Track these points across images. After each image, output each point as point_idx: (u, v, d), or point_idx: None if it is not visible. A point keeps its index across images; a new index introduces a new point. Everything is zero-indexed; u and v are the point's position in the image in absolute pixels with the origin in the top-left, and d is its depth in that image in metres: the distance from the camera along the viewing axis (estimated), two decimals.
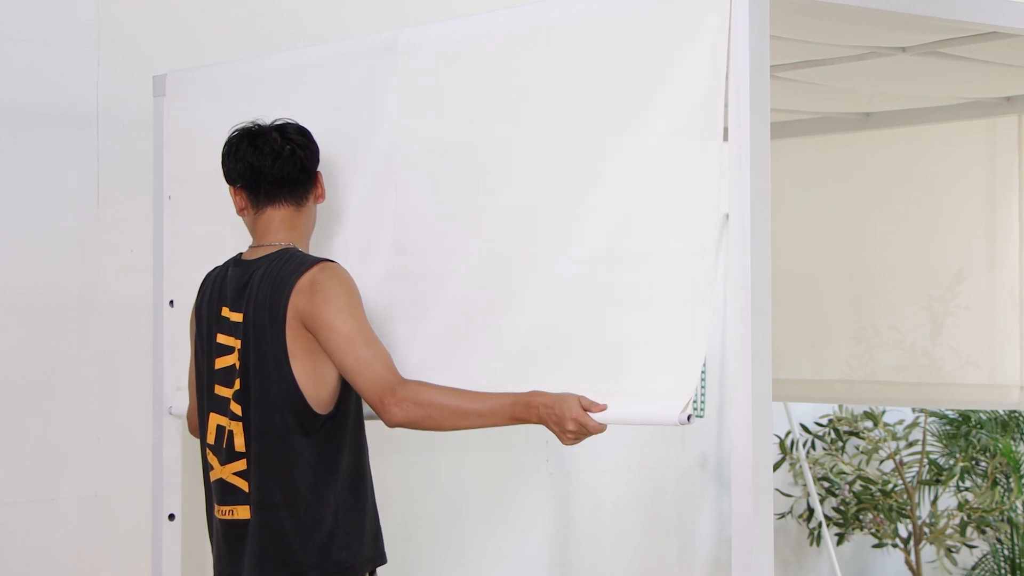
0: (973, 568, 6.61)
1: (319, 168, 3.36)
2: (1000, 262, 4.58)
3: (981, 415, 6.45)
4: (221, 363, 3.26)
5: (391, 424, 3.10)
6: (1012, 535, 6.43)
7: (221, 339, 3.27)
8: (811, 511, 6.29)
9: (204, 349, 3.33)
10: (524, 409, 2.97)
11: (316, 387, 3.16)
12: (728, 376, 2.82)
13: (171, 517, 3.90)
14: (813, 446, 6.47)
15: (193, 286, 3.90)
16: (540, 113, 3.07)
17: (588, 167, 2.99)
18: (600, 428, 2.89)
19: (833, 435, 6.47)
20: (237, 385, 3.24)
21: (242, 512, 3.23)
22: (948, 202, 4.68)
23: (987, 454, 6.41)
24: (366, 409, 3.29)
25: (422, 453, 5.20)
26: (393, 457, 5.14)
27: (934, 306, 4.70)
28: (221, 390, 3.27)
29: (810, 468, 6.29)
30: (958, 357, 4.66)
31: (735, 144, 2.71)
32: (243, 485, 3.23)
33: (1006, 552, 6.48)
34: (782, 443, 6.33)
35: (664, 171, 2.86)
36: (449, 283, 3.23)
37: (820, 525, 6.17)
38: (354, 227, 3.48)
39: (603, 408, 2.88)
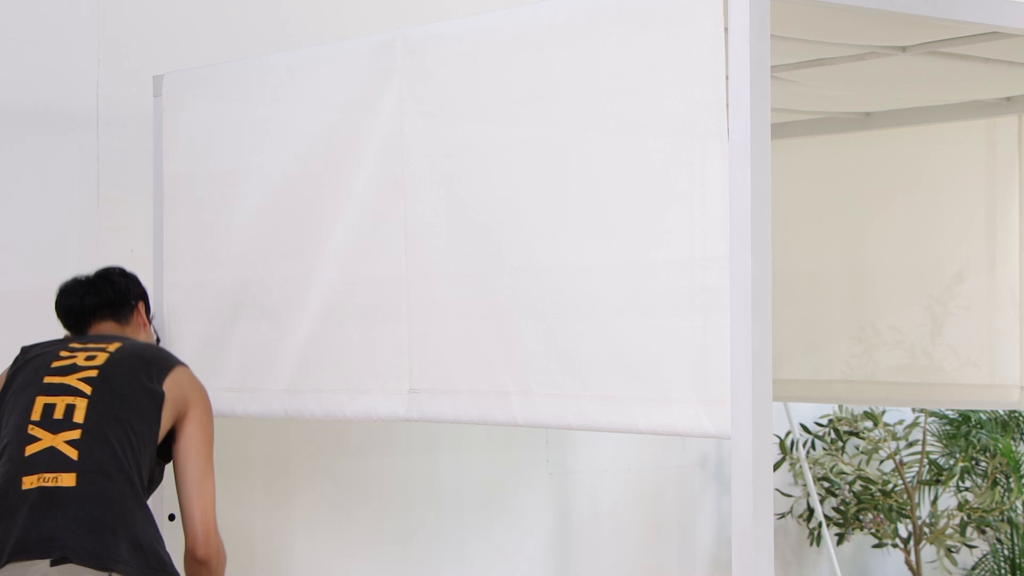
0: (973, 568, 6.61)
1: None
2: (1000, 262, 4.58)
3: (981, 415, 6.44)
4: (58, 363, 3.53)
5: (204, 557, 3.40)
6: (1012, 535, 6.43)
7: (63, 353, 3.54)
8: (811, 511, 6.29)
9: (27, 382, 3.54)
10: None
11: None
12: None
13: (171, 517, 3.89)
14: (813, 446, 6.47)
15: (193, 287, 3.92)
16: (542, 114, 3.07)
17: (590, 170, 2.99)
18: None
19: (833, 435, 6.46)
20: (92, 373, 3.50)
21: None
22: (948, 202, 4.68)
23: (987, 454, 6.41)
24: (378, 405, 3.42)
25: (422, 453, 5.21)
26: (393, 457, 5.14)
27: (934, 306, 4.70)
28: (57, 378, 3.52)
29: (810, 468, 6.29)
30: (958, 357, 4.65)
31: (735, 144, 2.71)
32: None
33: (1006, 552, 6.48)
34: (782, 443, 6.33)
35: (667, 173, 2.86)
36: (464, 285, 3.23)
37: (820, 525, 6.17)
38: (357, 228, 3.47)
39: None
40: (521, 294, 3.11)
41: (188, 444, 3.42)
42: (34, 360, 3.47)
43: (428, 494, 5.23)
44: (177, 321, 3.93)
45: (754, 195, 2.70)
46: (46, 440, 3.27)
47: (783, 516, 6.41)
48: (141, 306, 3.71)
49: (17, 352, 3.57)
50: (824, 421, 6.50)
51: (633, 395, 2.92)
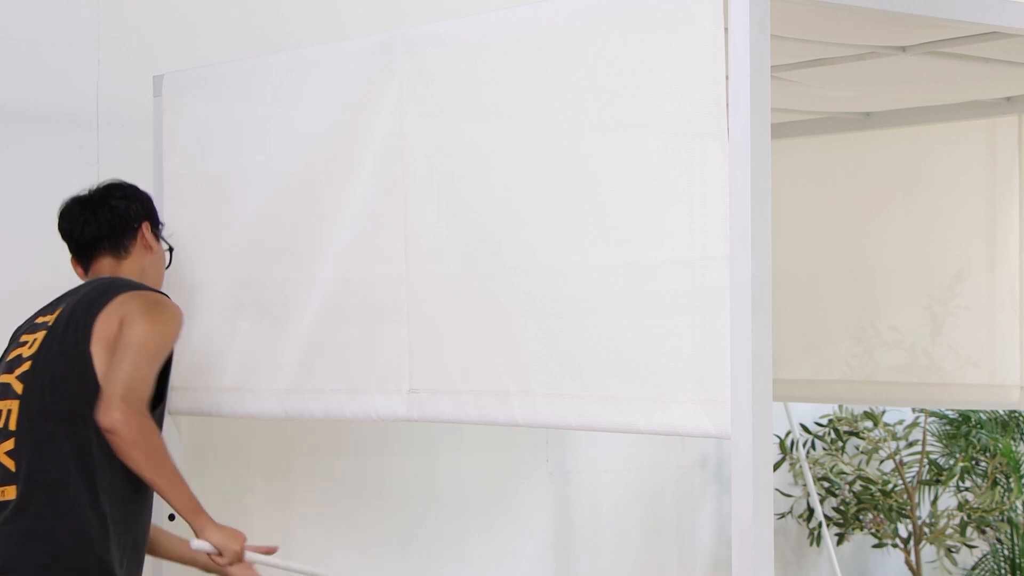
0: (973, 568, 6.61)
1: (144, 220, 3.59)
2: (1000, 262, 4.58)
3: (981, 415, 6.44)
4: (11, 354, 3.47)
5: (108, 425, 3.18)
6: (1012, 535, 6.43)
7: (24, 337, 3.48)
8: (811, 511, 6.29)
9: None
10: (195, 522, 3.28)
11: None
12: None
13: (171, 517, 3.90)
14: (813, 446, 6.47)
15: (193, 287, 3.91)
16: (542, 114, 3.07)
17: (590, 170, 2.99)
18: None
19: (833, 435, 6.46)
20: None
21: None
22: (948, 202, 4.68)
23: (987, 454, 6.41)
24: (376, 405, 3.43)
25: (422, 453, 5.20)
26: (393, 457, 5.14)
27: (934, 306, 4.70)
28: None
29: (810, 468, 6.28)
30: (958, 357, 4.65)
31: (735, 144, 2.71)
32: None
33: (1006, 552, 6.48)
34: (782, 443, 6.33)
35: (667, 173, 2.86)
36: (464, 285, 3.23)
37: (820, 525, 6.17)
38: (357, 228, 3.47)
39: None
40: (521, 294, 3.11)
41: (119, 346, 3.27)
42: (9, 348, 3.47)
43: (428, 494, 5.22)
44: None
45: (754, 195, 2.70)
46: None
47: (783, 516, 6.41)
48: (146, 227, 3.61)
49: None
50: (824, 421, 6.50)
51: (633, 395, 2.92)
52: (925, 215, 4.72)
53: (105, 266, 3.57)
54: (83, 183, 4.44)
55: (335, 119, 3.52)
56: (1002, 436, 6.36)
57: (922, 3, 3.05)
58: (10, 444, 3.25)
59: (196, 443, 4.43)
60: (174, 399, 3.92)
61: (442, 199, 3.28)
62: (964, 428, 6.45)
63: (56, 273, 4.41)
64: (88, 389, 3.24)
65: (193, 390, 3.86)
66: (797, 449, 6.17)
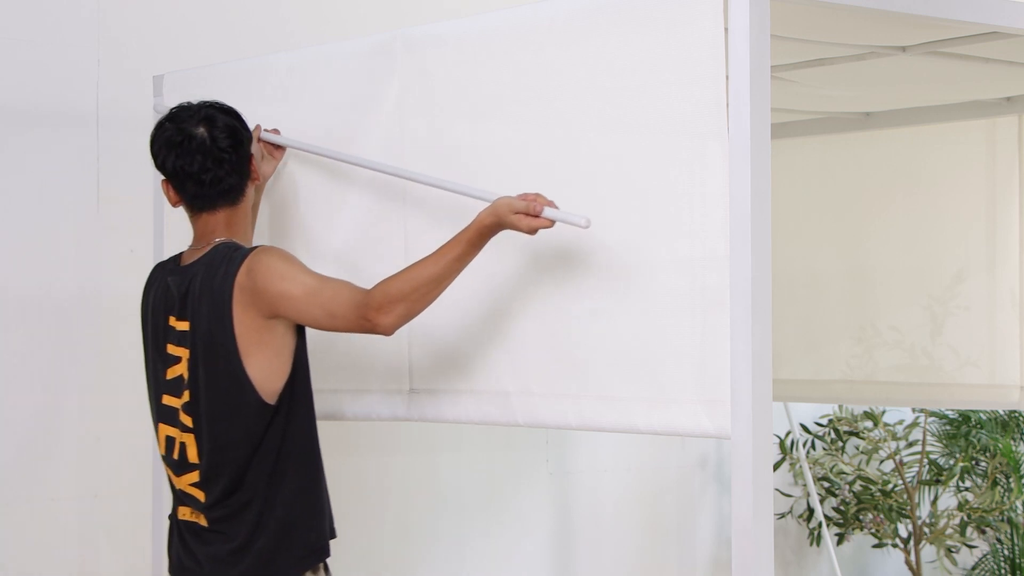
0: (973, 568, 6.61)
1: (252, 151, 3.30)
2: (1000, 262, 4.58)
3: (981, 415, 6.45)
4: (171, 373, 3.22)
5: (388, 332, 3.02)
6: (1012, 535, 6.44)
7: (171, 349, 3.22)
8: (811, 511, 6.30)
9: (152, 358, 3.29)
10: (480, 238, 2.96)
11: (271, 380, 3.12)
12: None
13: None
14: (813, 446, 6.47)
15: None
16: (542, 114, 3.07)
17: (590, 170, 2.99)
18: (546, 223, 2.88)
19: (833, 435, 6.47)
20: (187, 396, 3.18)
21: (202, 519, 3.24)
22: (948, 202, 4.68)
23: (987, 454, 6.41)
24: (389, 406, 3.42)
25: (422, 453, 5.20)
26: (393, 457, 5.14)
27: (934, 306, 4.70)
28: (170, 400, 3.23)
29: (810, 468, 6.29)
30: (958, 357, 4.66)
31: (735, 144, 2.71)
32: (199, 495, 3.21)
33: (1006, 552, 6.48)
34: (782, 443, 6.33)
35: (667, 173, 2.86)
36: (464, 284, 3.22)
37: (820, 525, 6.17)
38: (360, 229, 3.47)
39: (539, 211, 2.86)
40: (521, 294, 3.11)
41: (294, 306, 3.07)
42: (150, 324, 3.29)
43: (428, 494, 5.23)
44: None
45: (754, 195, 2.69)
46: (177, 483, 3.28)
47: (783, 516, 6.41)
48: (253, 157, 3.31)
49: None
50: (824, 421, 6.50)
51: (633, 395, 2.92)
52: (925, 215, 4.72)
53: (220, 220, 3.26)
54: (83, 183, 4.45)
55: (335, 119, 3.52)
56: (1002, 436, 6.36)
57: (922, 3, 3.05)
58: (193, 476, 3.25)
59: None
60: None
61: (442, 199, 3.28)
62: (964, 428, 6.46)
63: (56, 272, 4.42)
64: (250, 408, 3.15)
65: None
66: (797, 449, 6.18)
